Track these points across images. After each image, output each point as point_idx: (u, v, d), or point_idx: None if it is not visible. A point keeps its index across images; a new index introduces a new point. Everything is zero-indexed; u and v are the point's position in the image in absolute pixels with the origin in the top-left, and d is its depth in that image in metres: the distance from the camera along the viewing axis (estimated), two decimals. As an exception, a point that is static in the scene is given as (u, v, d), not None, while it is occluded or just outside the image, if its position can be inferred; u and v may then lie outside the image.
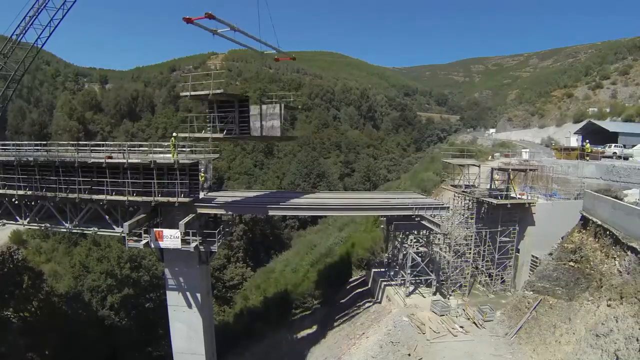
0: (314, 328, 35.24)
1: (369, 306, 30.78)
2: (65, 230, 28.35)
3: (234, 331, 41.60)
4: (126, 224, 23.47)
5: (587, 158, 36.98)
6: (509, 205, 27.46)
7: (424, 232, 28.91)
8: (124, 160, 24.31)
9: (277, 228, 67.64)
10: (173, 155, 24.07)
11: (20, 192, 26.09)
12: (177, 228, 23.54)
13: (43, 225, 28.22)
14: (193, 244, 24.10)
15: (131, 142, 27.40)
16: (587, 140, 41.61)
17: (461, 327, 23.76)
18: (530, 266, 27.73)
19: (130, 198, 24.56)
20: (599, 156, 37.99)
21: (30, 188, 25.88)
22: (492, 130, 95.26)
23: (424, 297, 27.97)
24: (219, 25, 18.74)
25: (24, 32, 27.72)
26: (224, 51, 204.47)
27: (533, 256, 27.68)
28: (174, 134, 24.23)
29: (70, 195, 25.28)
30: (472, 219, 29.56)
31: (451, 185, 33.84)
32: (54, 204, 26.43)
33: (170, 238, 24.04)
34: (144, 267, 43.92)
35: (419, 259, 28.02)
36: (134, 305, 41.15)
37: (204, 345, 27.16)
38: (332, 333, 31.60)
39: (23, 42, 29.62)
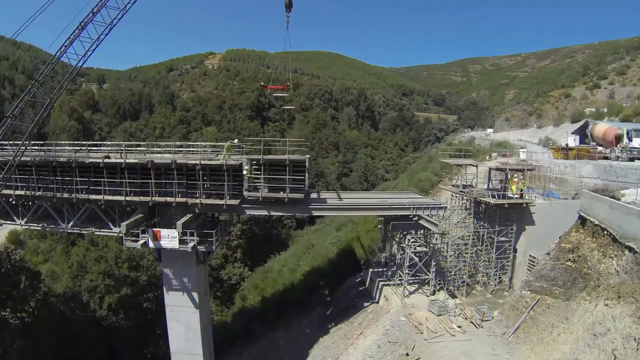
0: (312, 328, 35.23)
1: (367, 306, 30.77)
2: (62, 230, 28.28)
3: (231, 331, 41.61)
4: (124, 223, 23.47)
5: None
6: (506, 205, 27.50)
7: (422, 232, 28.92)
8: (170, 161, 24.40)
9: (274, 228, 67.55)
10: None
11: (18, 192, 26.03)
12: (175, 228, 23.52)
13: (40, 225, 28.16)
14: (190, 244, 24.08)
15: (130, 142, 27.22)
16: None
17: (459, 326, 23.79)
18: (528, 266, 27.75)
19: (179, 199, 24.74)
20: (596, 156, 38.14)
21: (27, 188, 25.81)
22: (489, 130, 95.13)
23: (422, 297, 28.01)
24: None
25: (62, 54, 22.78)
26: (221, 51, 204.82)
27: (530, 256, 27.71)
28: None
29: (67, 195, 25.25)
30: (469, 218, 29.62)
31: (450, 185, 33.88)
32: (51, 204, 26.37)
33: (168, 238, 24.02)
34: (142, 267, 43.86)
35: (417, 259, 28.03)
36: (132, 305, 41.05)
37: (202, 344, 27.16)
38: (330, 333, 31.59)
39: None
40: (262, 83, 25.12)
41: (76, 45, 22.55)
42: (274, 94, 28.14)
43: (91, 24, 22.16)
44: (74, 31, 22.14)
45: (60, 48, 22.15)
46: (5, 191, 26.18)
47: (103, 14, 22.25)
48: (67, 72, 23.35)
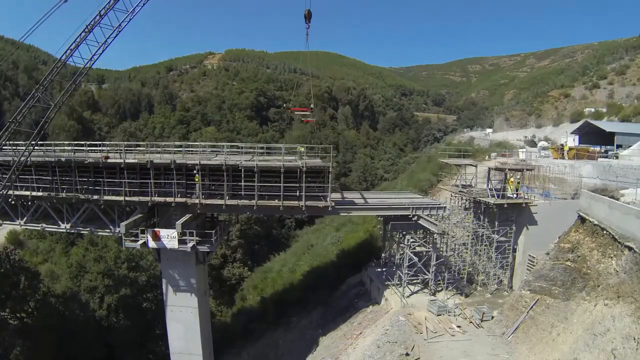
0: (311, 328, 35.19)
1: (366, 306, 30.77)
2: (62, 230, 28.27)
3: (231, 331, 41.59)
4: (123, 224, 23.49)
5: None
6: (505, 205, 27.50)
7: (421, 231, 28.93)
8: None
9: (274, 228, 67.51)
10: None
11: (17, 192, 26.01)
12: (174, 228, 23.51)
13: (40, 225, 28.15)
14: (190, 244, 24.08)
15: (129, 142, 27.21)
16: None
17: (458, 326, 23.80)
18: (527, 266, 27.77)
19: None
20: (595, 156, 38.20)
21: (27, 188, 25.80)
22: (489, 130, 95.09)
23: (422, 297, 28.01)
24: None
25: (68, 57, 22.20)
26: (220, 51, 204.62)
27: (530, 256, 27.72)
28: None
29: (67, 195, 25.24)
30: (469, 218, 29.62)
31: (449, 185, 33.88)
32: (50, 204, 26.34)
33: (168, 238, 24.02)
34: (142, 267, 43.81)
35: (416, 259, 28.03)
36: (131, 305, 41.01)
37: (201, 344, 27.16)
38: (330, 333, 31.56)
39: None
40: (288, 107, 25.66)
41: (82, 49, 22.25)
42: (297, 113, 28.80)
43: (98, 26, 22.00)
44: (80, 34, 21.92)
45: (66, 52, 21.93)
46: (4, 191, 26.19)
47: (110, 17, 22.09)
48: (72, 75, 23.11)
